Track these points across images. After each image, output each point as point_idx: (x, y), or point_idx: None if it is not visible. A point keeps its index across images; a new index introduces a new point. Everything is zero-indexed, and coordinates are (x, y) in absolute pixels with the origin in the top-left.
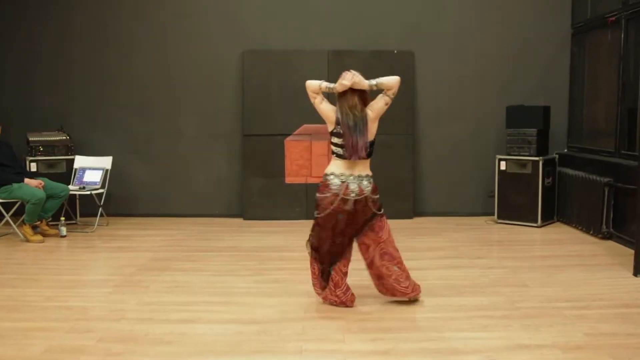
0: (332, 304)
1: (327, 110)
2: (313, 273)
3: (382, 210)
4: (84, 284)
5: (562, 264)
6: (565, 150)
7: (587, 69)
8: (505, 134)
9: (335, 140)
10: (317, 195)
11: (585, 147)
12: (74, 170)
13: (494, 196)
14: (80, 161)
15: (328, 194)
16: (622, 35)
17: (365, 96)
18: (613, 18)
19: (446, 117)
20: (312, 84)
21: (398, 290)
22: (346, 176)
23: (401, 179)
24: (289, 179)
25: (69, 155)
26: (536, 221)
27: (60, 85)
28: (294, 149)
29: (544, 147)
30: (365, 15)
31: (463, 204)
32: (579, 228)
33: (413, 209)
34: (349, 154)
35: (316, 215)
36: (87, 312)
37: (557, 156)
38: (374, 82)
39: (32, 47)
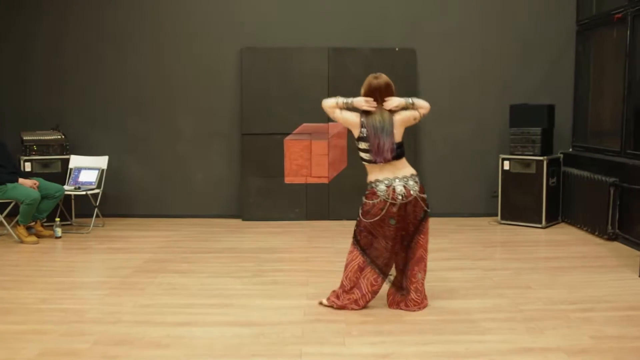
0: (352, 308)
1: (350, 116)
2: (348, 280)
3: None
4: (79, 286)
5: (566, 265)
6: (570, 150)
7: (592, 67)
8: (508, 133)
9: (362, 145)
10: (365, 201)
11: (591, 146)
12: (69, 170)
13: (497, 196)
14: (75, 161)
15: (376, 200)
16: (628, 33)
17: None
18: (619, 15)
19: (448, 116)
20: (329, 102)
21: (411, 299)
22: (390, 180)
23: None
24: (288, 179)
25: (64, 154)
26: (540, 222)
27: (55, 83)
28: (294, 148)
29: (548, 146)
30: (366, 12)
31: (465, 204)
32: (584, 229)
33: None
34: (374, 156)
35: (362, 219)
36: (82, 314)
37: (561, 156)
38: (410, 100)
39: (26, 44)
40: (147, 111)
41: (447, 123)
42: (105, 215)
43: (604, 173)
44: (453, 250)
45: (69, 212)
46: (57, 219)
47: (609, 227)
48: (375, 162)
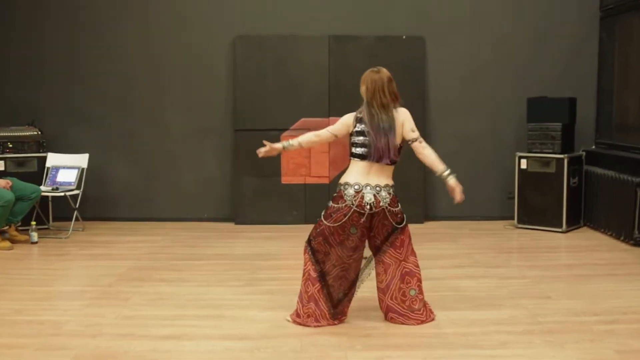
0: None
1: (341, 124)
2: (306, 293)
3: (405, 222)
4: (56, 295)
5: (589, 273)
6: (593, 147)
7: (617, 57)
8: (526, 128)
9: (359, 139)
10: (331, 204)
11: (616, 143)
12: (46, 169)
13: (513, 198)
14: (53, 159)
15: (342, 204)
16: None
17: (396, 97)
18: None
19: (460, 110)
20: (322, 137)
21: (410, 317)
22: (361, 186)
23: (410, 179)
24: (285, 179)
25: (40, 152)
26: (561, 226)
27: (31, 75)
28: None
29: (569, 143)
30: None
31: (479, 206)
32: (608, 233)
33: (423, 212)
34: (375, 156)
35: (323, 221)
36: (60, 327)
37: (584, 153)
38: (447, 172)
39: (0, 33)
40: (131, 105)
41: (458, 118)
42: (85, 219)
43: (630, 172)
44: (465, 257)
45: (46, 215)
46: (33, 223)
47: (636, 231)
48: (366, 159)
